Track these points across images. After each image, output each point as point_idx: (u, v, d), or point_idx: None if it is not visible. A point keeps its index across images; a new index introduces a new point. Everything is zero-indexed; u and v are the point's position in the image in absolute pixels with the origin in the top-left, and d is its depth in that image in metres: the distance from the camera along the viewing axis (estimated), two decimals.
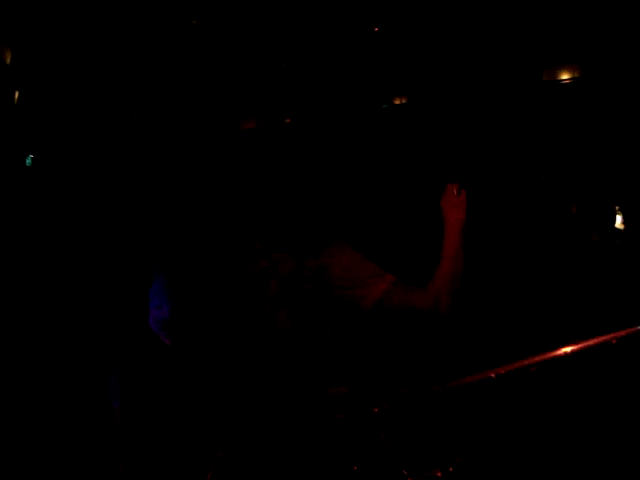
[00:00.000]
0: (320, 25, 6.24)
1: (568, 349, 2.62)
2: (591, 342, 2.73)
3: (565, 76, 6.97)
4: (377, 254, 2.03)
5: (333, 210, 2.10)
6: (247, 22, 6.15)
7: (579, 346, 2.66)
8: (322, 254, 2.02)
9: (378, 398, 1.73)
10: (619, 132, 6.41)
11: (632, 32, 6.14)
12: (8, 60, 4.76)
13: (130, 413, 2.05)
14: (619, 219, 5.51)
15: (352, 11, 6.20)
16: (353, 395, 1.80)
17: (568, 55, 6.93)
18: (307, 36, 6.38)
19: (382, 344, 1.96)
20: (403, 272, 1.99)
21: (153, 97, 6.03)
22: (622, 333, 2.91)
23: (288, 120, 6.45)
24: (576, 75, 7.00)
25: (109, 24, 5.42)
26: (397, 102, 6.96)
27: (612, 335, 2.91)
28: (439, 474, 1.78)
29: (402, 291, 1.91)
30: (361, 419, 1.62)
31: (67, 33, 5.35)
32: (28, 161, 2.80)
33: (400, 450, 1.73)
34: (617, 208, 5.54)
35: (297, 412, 1.83)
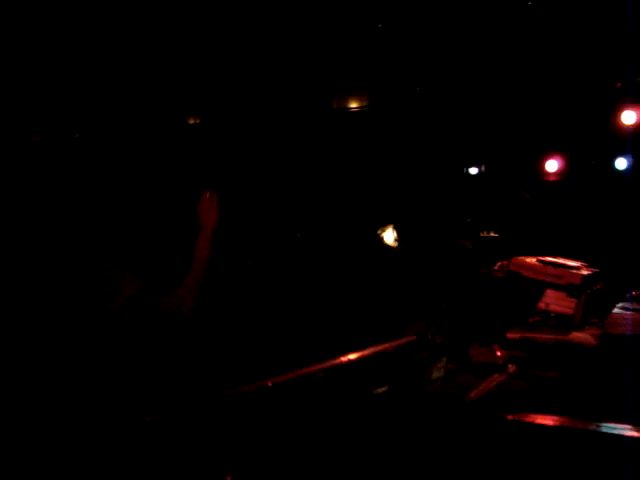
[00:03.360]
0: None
1: (345, 359, 2.74)
2: (367, 351, 2.89)
3: (353, 105, 7.41)
4: (127, 260, 2.00)
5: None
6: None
7: (359, 354, 2.80)
8: None
9: (151, 407, 1.70)
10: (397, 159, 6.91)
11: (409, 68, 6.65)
12: None
13: None
14: (392, 237, 5.93)
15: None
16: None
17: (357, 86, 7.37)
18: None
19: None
20: (152, 277, 1.98)
21: None
22: (395, 343, 3.13)
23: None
24: (363, 104, 7.46)
25: None
26: (191, 122, 6.97)
27: (388, 344, 3.12)
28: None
29: (149, 295, 1.89)
30: (132, 429, 1.59)
31: None
32: None
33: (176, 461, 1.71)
34: (392, 227, 5.96)
35: None
